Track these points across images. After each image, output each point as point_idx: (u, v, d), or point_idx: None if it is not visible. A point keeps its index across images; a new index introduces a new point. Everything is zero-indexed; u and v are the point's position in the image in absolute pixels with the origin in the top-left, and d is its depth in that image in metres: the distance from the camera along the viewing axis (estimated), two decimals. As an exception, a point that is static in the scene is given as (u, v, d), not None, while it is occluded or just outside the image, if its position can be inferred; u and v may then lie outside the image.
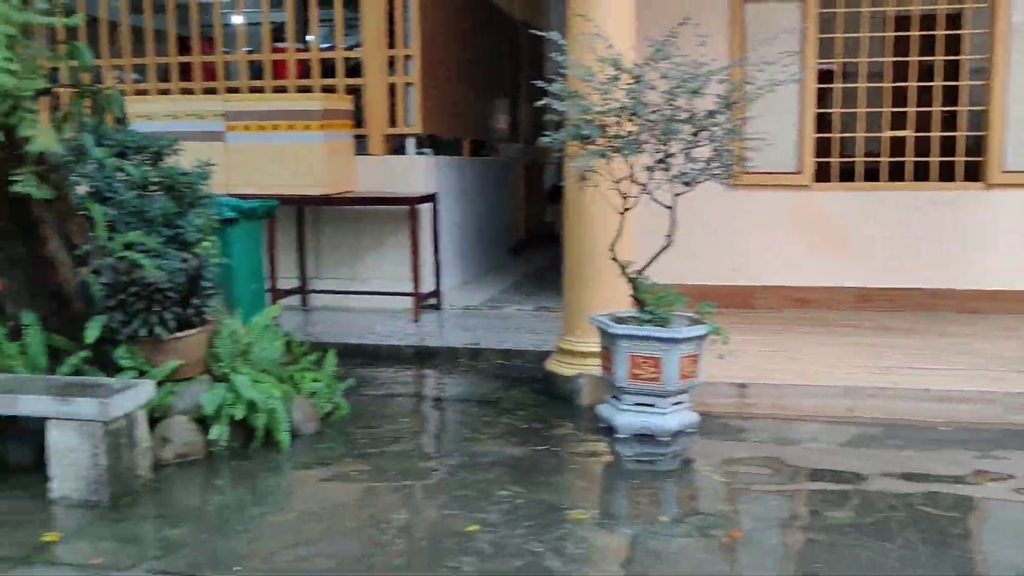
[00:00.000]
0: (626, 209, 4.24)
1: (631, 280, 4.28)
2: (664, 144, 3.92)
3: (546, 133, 4.13)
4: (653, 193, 4.09)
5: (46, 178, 3.80)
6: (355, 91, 7.20)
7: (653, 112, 3.90)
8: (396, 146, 7.29)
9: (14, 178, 3.62)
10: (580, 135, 3.96)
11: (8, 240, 3.91)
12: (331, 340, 5.85)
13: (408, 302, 6.77)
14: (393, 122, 7.16)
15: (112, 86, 4.18)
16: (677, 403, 4.29)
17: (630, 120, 3.93)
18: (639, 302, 4.31)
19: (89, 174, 4.47)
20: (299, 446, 4.22)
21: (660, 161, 4.00)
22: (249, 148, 6.67)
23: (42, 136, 3.60)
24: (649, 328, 4.18)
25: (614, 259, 4.27)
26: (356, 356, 5.77)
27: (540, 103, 4.07)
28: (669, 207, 4.14)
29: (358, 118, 7.17)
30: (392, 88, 7.14)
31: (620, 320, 4.31)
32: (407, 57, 7.11)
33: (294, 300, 7.09)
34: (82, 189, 4.43)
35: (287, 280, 7.08)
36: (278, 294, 6.72)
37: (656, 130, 3.89)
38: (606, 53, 3.98)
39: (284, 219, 6.89)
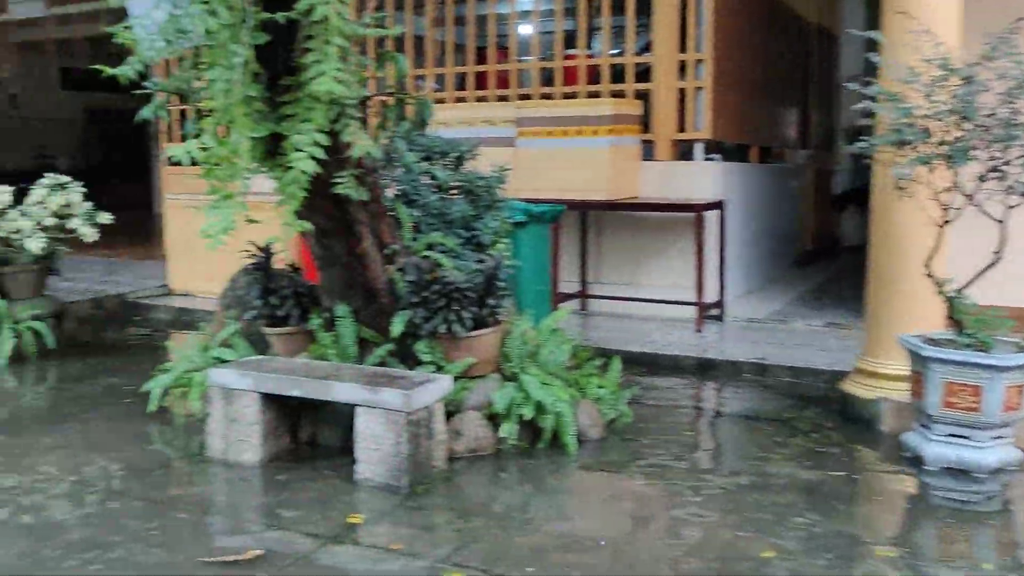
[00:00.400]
0: (946, 222, 3.88)
1: (949, 300, 3.91)
2: (1000, 151, 3.54)
3: (863, 138, 3.86)
4: (982, 205, 3.71)
5: (363, 181, 4.03)
6: (643, 96, 7.16)
7: (988, 116, 3.53)
8: (683, 151, 7.17)
9: (336, 181, 3.86)
10: (900, 140, 3.66)
11: (329, 238, 4.19)
12: (610, 346, 5.83)
13: (689, 311, 6.64)
14: (682, 127, 7.05)
15: (423, 94, 4.38)
16: (998, 437, 3.87)
17: (959, 125, 3.58)
18: (957, 324, 3.93)
19: (398, 177, 4.74)
20: (584, 450, 4.22)
21: (994, 169, 3.61)
22: (538, 153, 6.80)
23: (363, 141, 3.82)
24: (969, 353, 3.79)
25: (929, 275, 3.91)
26: (635, 364, 5.70)
27: (858, 106, 3.81)
28: (1000, 220, 3.73)
29: (646, 123, 7.13)
30: (682, 93, 7.03)
31: (934, 342, 3.95)
32: (698, 61, 6.97)
33: (573, 304, 7.15)
34: (390, 191, 4.71)
35: (567, 284, 7.16)
36: (559, 297, 6.80)
37: (990, 136, 3.52)
38: (933, 52, 3.66)
39: (567, 223, 6.97)
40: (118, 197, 10.92)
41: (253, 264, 4.62)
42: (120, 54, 3.97)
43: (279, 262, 4.72)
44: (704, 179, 6.97)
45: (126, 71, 3.70)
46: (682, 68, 7.02)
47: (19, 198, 6.31)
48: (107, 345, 6.75)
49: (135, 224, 12.65)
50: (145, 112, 4.11)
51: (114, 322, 7.53)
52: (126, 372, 5.77)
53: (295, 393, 3.95)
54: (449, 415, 4.07)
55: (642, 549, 3.25)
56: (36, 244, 6.15)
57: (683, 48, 7.00)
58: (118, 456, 4.21)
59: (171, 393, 4.80)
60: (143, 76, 3.80)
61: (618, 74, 7.29)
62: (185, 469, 4.14)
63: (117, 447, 4.35)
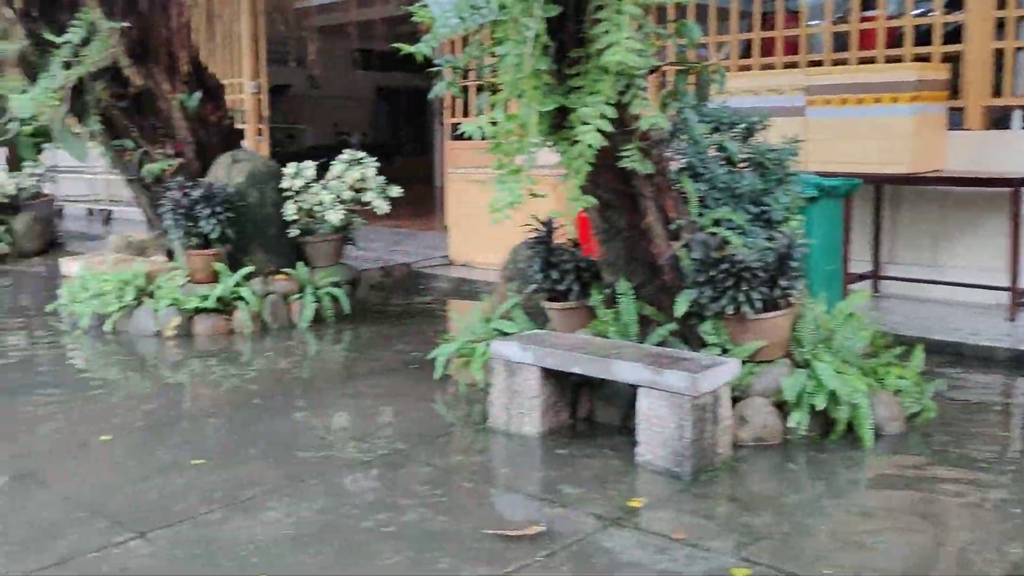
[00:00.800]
0: None
1: None
2: None
3: None
4: None
5: (649, 154, 3.92)
6: (951, 59, 6.49)
7: None
8: (996, 119, 6.44)
9: (622, 154, 3.76)
10: None
11: (612, 212, 4.12)
12: (907, 333, 5.36)
13: (1000, 297, 5.97)
14: (997, 92, 6.33)
15: (718, 63, 4.18)
16: None
17: None
18: None
19: (683, 150, 4.57)
20: (881, 446, 3.89)
21: None
22: (829, 123, 6.37)
23: (650, 113, 3.70)
24: None
25: None
26: (936, 353, 5.19)
27: None
28: None
29: (953, 88, 6.47)
30: (998, 54, 6.30)
31: None
32: (1020, 18, 6.21)
33: (863, 285, 6.65)
34: (675, 165, 4.55)
35: (857, 263, 6.67)
36: (849, 278, 6.35)
37: None
38: None
39: (857, 198, 6.47)
40: (403, 171, 11.53)
41: (534, 238, 4.64)
42: (411, 34, 4.10)
43: (560, 236, 4.71)
44: (1022, 150, 6.22)
45: (422, 49, 3.80)
46: (999, 26, 6.29)
47: (320, 173, 6.77)
48: (395, 312, 7.12)
49: (418, 197, 13.29)
50: (437, 89, 4.21)
51: (401, 290, 7.93)
52: (412, 338, 6.05)
53: (575, 370, 3.92)
54: (734, 400, 3.88)
55: (952, 562, 2.93)
56: (335, 216, 6.57)
57: (1001, 3, 6.27)
58: (405, 420, 4.39)
59: (454, 362, 4.95)
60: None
61: (921, 36, 6.66)
62: (468, 437, 4.24)
63: (404, 411, 4.53)
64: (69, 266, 7.21)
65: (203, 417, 4.60)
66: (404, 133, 20.15)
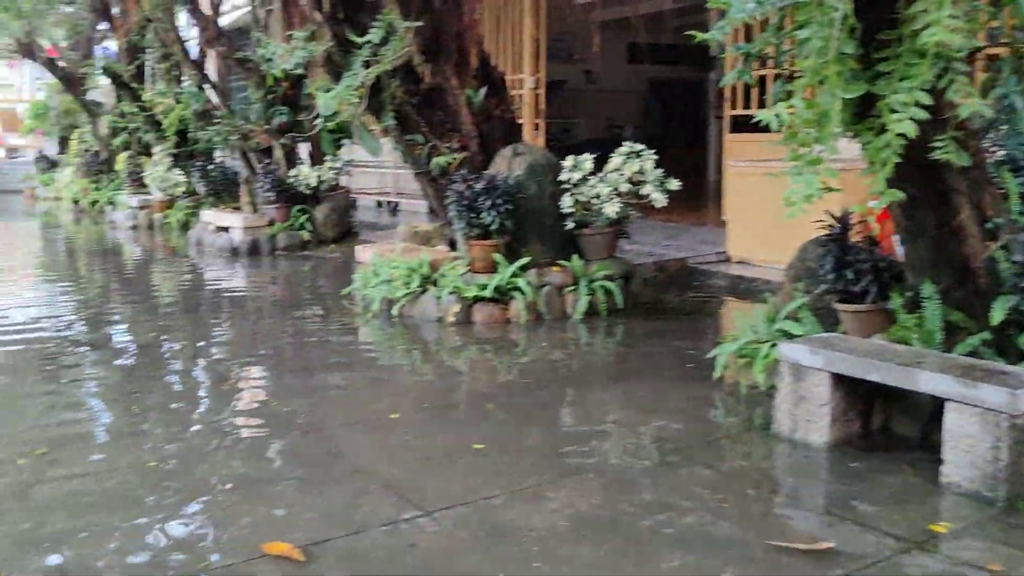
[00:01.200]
0: None
1: None
2: None
3: None
4: None
5: (965, 145, 3.55)
6: None
7: None
8: None
9: (934, 144, 3.43)
10: None
11: (918, 209, 3.78)
12: None
13: None
14: None
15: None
16: None
17: None
18: None
19: (1001, 140, 4.13)
20: None
21: None
22: None
23: (971, 100, 3.34)
24: None
25: None
26: None
27: None
28: None
29: None
30: None
31: None
32: None
33: None
34: (992, 157, 4.11)
35: None
36: None
37: None
38: None
39: None
40: (674, 164, 11.35)
41: (827, 235, 4.36)
42: (683, 27, 3.97)
43: (855, 233, 4.40)
44: None
45: (716, 35, 3.67)
46: None
47: (597, 166, 6.78)
48: (669, 308, 7.00)
49: (690, 190, 13.05)
50: (729, 77, 4.06)
51: (675, 285, 7.79)
52: (686, 336, 5.92)
53: (872, 378, 3.64)
54: (1058, 423, 3.44)
55: None
56: (612, 208, 6.56)
57: None
58: (683, 419, 4.27)
59: (733, 362, 4.77)
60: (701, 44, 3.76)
61: None
62: (749, 442, 4.05)
63: (681, 410, 4.42)
64: (363, 253, 7.71)
65: (482, 402, 4.73)
66: (673, 125, 19.90)
